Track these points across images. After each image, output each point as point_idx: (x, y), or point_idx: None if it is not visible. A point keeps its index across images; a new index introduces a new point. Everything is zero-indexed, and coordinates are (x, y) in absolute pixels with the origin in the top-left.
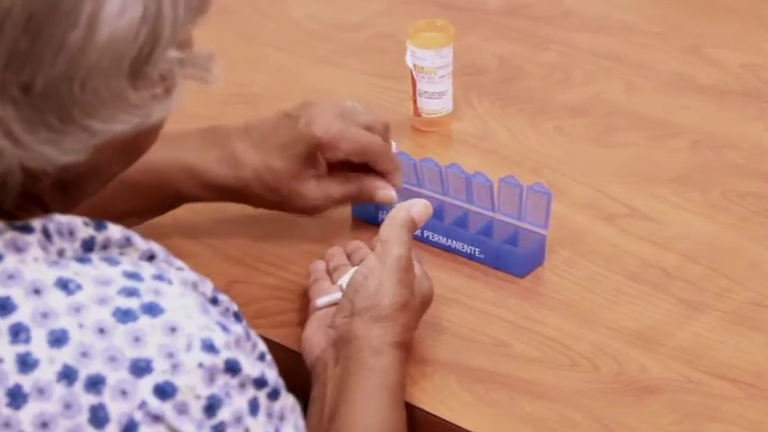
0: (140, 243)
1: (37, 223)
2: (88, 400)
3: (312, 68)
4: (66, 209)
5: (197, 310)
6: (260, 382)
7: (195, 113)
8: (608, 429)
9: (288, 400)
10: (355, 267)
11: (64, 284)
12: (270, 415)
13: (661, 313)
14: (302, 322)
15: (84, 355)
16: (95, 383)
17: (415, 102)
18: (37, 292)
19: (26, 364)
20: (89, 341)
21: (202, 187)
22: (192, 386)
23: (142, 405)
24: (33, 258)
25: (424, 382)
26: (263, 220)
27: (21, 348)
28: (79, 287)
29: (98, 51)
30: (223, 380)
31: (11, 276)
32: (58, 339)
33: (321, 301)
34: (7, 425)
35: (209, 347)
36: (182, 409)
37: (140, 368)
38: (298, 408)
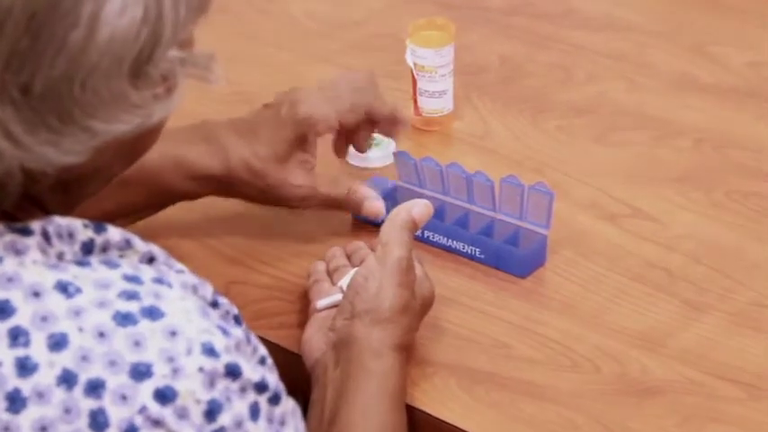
0: (140, 245)
1: (36, 225)
2: (88, 404)
3: (312, 67)
4: (66, 210)
5: (197, 314)
6: (261, 387)
7: (194, 113)
8: (609, 431)
9: (288, 405)
10: (356, 268)
11: (63, 288)
12: (270, 420)
13: (663, 314)
14: (301, 323)
15: (84, 359)
16: (95, 388)
17: (415, 101)
18: (36, 295)
19: (25, 368)
20: (89, 345)
21: (191, 179)
22: (193, 391)
23: (142, 410)
24: (32, 261)
25: (425, 384)
26: (262, 220)
27: (20, 352)
28: (79, 290)
29: (99, 51)
30: (223, 384)
31: (10, 279)
32: (58, 343)
33: (321, 302)
34: (7, 429)
35: (210, 351)
36: (182, 414)
37: (140, 372)
38: (298, 412)
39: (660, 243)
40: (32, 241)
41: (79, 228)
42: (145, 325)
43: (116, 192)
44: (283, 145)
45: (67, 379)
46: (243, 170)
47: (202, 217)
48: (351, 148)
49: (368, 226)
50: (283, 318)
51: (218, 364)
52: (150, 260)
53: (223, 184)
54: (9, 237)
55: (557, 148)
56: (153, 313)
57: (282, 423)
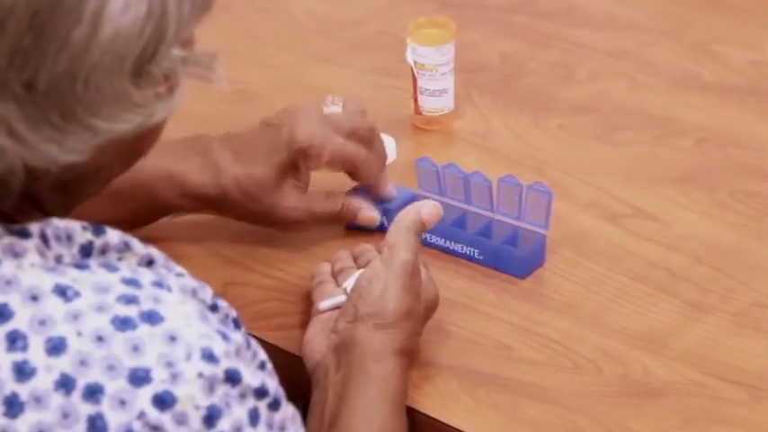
0: (139, 248)
1: (35, 228)
2: (86, 409)
3: (312, 66)
4: (65, 211)
5: (197, 319)
6: (260, 392)
7: (194, 112)
8: None
9: (288, 411)
10: (361, 270)
11: (62, 291)
12: (270, 426)
13: (665, 315)
14: (301, 325)
15: (83, 363)
16: (94, 393)
17: (415, 100)
18: (34, 298)
19: (23, 372)
20: (87, 349)
21: (183, 195)
22: (192, 396)
23: (141, 415)
24: (31, 264)
25: (426, 386)
26: None
27: (18, 356)
28: (77, 294)
29: (102, 49)
30: (223, 390)
31: (8, 282)
32: (56, 347)
33: (324, 304)
34: None
35: (209, 357)
36: (181, 420)
37: (139, 377)
38: (298, 418)
39: (662, 243)
40: (31, 244)
41: (78, 230)
42: (144, 329)
43: (109, 203)
44: (279, 168)
45: (66, 383)
46: (235, 191)
47: (201, 217)
48: None
49: (366, 228)
50: (282, 319)
51: (218, 370)
52: (149, 263)
53: (215, 203)
54: (7, 239)
55: (558, 147)
56: (152, 318)
57: (282, 429)
